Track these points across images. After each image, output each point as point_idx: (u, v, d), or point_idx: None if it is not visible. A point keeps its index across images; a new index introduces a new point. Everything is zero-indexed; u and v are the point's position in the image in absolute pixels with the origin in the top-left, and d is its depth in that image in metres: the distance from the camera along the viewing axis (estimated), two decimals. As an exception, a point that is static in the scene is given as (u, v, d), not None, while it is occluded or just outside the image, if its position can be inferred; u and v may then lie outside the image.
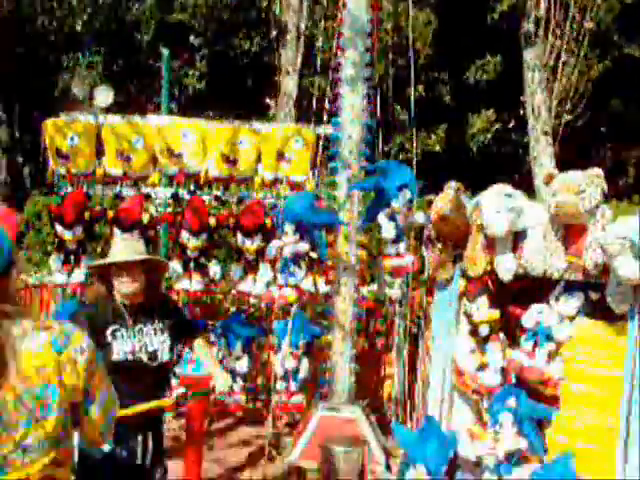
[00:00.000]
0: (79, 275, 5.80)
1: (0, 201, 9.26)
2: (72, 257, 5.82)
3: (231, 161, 5.56)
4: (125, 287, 3.06)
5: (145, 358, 3.07)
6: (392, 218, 4.70)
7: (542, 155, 7.86)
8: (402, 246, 4.80)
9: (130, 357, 3.04)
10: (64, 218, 5.63)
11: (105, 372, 1.90)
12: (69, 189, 5.85)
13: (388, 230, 4.68)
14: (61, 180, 5.85)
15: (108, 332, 3.02)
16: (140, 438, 3.07)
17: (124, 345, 3.03)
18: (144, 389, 3.05)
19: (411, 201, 4.78)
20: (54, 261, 5.86)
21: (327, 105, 5.15)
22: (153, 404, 3.06)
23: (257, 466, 5.13)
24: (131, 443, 3.03)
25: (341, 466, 4.08)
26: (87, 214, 5.73)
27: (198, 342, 3.46)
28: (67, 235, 5.69)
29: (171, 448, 5.33)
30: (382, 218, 4.71)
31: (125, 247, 3.16)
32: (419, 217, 4.82)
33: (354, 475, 4.09)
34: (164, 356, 3.14)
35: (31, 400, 1.66)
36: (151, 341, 3.10)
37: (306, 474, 4.83)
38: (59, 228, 5.71)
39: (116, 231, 4.87)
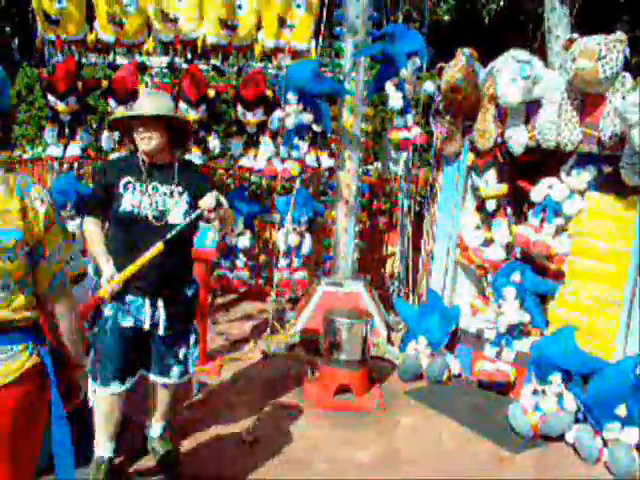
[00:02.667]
0: (75, 148, 5.63)
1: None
2: (67, 130, 5.64)
3: (229, 27, 5.23)
4: (144, 143, 2.92)
5: (150, 215, 2.94)
6: (400, 87, 4.48)
7: (557, 26, 7.43)
8: (409, 118, 4.61)
9: (135, 210, 2.93)
10: (56, 88, 5.38)
11: (63, 232, 1.96)
12: (60, 58, 5.56)
13: (395, 100, 4.48)
14: (50, 47, 5.54)
15: (122, 183, 2.94)
16: (147, 303, 2.97)
17: (132, 198, 2.93)
18: (146, 249, 2.91)
19: (420, 69, 4.54)
20: (49, 134, 5.68)
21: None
22: (140, 260, 2.90)
23: (260, 339, 5.21)
24: (136, 308, 2.97)
25: (344, 338, 4.12)
26: (80, 84, 5.48)
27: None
28: (60, 106, 5.47)
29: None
30: (389, 87, 4.49)
31: (149, 102, 2.95)
32: (428, 87, 4.61)
33: (356, 347, 4.13)
34: (172, 219, 2.97)
35: None
36: (163, 201, 2.97)
37: (308, 345, 4.92)
38: (52, 99, 5.48)
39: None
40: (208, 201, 2.90)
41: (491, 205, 4.57)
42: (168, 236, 2.91)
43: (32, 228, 1.85)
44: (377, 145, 6.03)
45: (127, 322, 2.97)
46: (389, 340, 5.05)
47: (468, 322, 4.66)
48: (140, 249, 2.91)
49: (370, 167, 6.17)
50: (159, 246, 2.90)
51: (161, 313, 3.00)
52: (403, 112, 4.56)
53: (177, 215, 2.98)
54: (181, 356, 3.16)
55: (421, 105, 4.88)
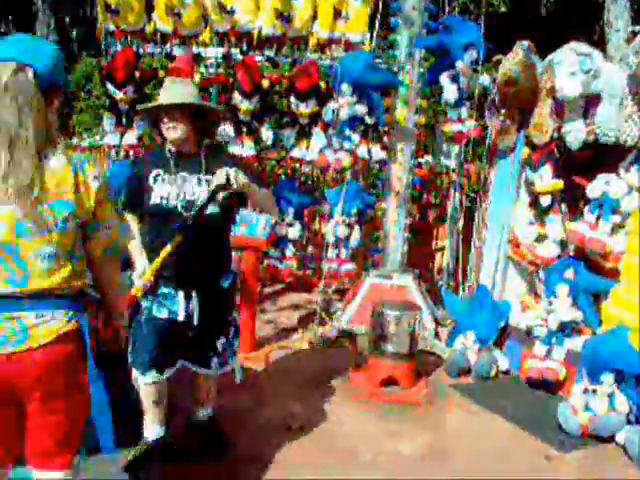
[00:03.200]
0: (131, 136, 5.76)
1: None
2: (124, 118, 5.77)
3: (285, 18, 5.27)
4: (170, 133, 2.90)
5: (179, 206, 2.89)
6: (455, 80, 4.45)
7: (618, 19, 7.24)
8: (464, 110, 4.57)
9: (164, 202, 2.90)
10: (115, 77, 5.51)
11: (114, 208, 2.08)
12: (119, 48, 5.69)
13: (450, 92, 4.44)
14: (110, 38, 5.67)
15: (151, 176, 2.93)
16: (181, 294, 2.95)
17: (161, 190, 2.91)
18: (186, 242, 2.88)
19: (476, 62, 4.49)
20: (107, 122, 5.82)
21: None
22: (162, 252, 2.88)
23: (308, 328, 5.25)
24: (170, 299, 2.97)
25: (391, 330, 4.12)
26: (137, 73, 5.60)
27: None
28: (118, 95, 5.59)
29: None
30: (445, 79, 4.46)
31: (173, 91, 2.91)
32: (484, 79, 4.56)
33: (404, 339, 4.13)
34: (207, 209, 2.88)
35: (50, 212, 1.87)
36: (192, 191, 2.91)
37: (355, 337, 4.94)
38: (110, 87, 5.61)
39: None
40: (219, 177, 2.77)
41: (545, 200, 4.49)
42: (187, 223, 2.86)
43: (84, 202, 1.94)
44: (429, 138, 5.98)
45: (162, 314, 2.97)
46: (436, 334, 5.03)
47: (518, 318, 4.60)
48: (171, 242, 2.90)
49: (421, 160, 6.13)
50: (176, 238, 2.88)
51: (195, 304, 2.98)
52: (457, 105, 4.52)
53: (215, 202, 2.87)
54: (219, 347, 3.13)
55: (476, 98, 4.82)
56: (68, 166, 1.92)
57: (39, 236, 1.87)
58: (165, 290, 2.96)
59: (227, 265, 3.15)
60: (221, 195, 2.77)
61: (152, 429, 3.18)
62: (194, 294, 2.97)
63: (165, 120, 2.89)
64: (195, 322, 2.98)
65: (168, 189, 2.91)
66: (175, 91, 2.90)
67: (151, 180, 2.93)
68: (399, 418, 3.88)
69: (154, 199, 2.91)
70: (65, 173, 1.90)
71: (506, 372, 4.54)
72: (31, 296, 1.87)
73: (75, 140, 9.50)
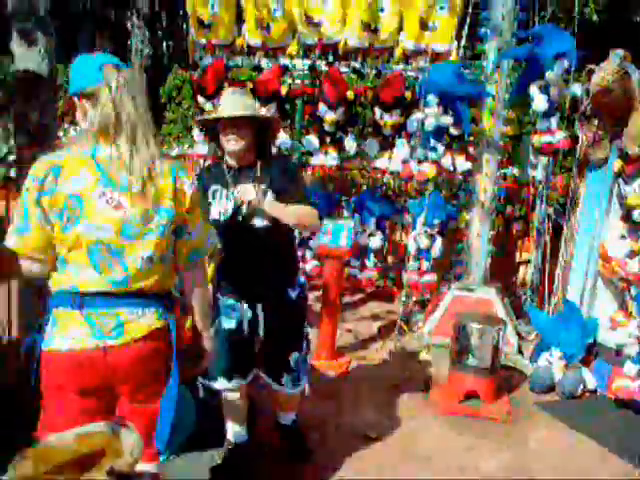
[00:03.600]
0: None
1: (145, 73, 9.59)
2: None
3: (371, 30, 5.31)
4: (230, 145, 2.84)
5: (236, 222, 2.85)
6: (545, 90, 4.35)
7: None
8: (554, 121, 4.46)
9: (222, 217, 2.88)
10: (205, 89, 5.71)
11: (203, 213, 2.22)
12: (209, 60, 5.89)
13: (540, 103, 4.35)
14: (201, 51, 5.88)
15: (210, 191, 2.93)
16: (245, 306, 2.96)
17: (220, 205, 2.88)
18: (236, 254, 2.87)
19: (568, 72, 4.38)
20: (196, 132, 6.03)
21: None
22: (209, 267, 2.89)
23: (388, 339, 5.24)
24: (236, 310, 2.98)
25: (474, 343, 4.06)
26: (226, 85, 5.77)
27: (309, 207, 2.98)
28: (208, 106, 5.78)
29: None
30: (534, 90, 4.37)
31: (232, 102, 2.84)
32: (576, 89, 4.44)
33: (487, 354, 4.06)
34: (256, 220, 2.85)
35: (153, 216, 2.00)
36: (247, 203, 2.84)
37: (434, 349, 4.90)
38: (200, 99, 5.82)
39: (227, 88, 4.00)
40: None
41: (638, 214, 4.32)
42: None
43: (180, 208, 2.06)
44: (515, 149, 5.87)
45: (229, 324, 2.98)
46: (519, 349, 4.92)
47: (607, 336, 4.44)
48: (232, 255, 2.90)
49: (506, 171, 6.02)
50: (217, 254, 2.91)
51: (260, 316, 2.97)
52: (547, 115, 4.42)
53: (259, 216, 2.86)
54: (292, 363, 3.07)
55: (566, 108, 4.71)
56: (169, 172, 2.04)
57: (142, 239, 1.99)
58: (230, 302, 2.98)
59: (292, 276, 3.08)
60: (244, 210, 2.83)
61: (233, 432, 3.25)
62: (259, 305, 2.96)
63: (227, 132, 2.82)
64: (261, 334, 2.98)
65: (224, 204, 2.89)
66: (237, 102, 2.84)
67: (210, 196, 2.93)
68: (479, 433, 3.82)
69: (213, 214, 2.90)
70: (166, 179, 2.03)
71: (593, 391, 4.38)
72: (127, 294, 1.99)
73: (164, 149, 9.88)
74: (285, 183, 2.87)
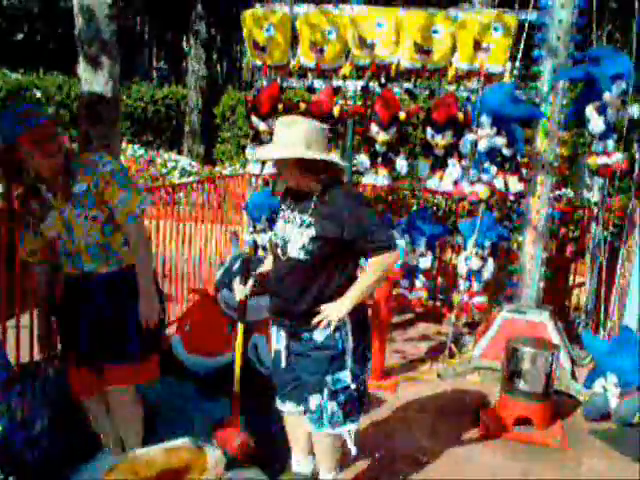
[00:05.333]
0: (272, 166, 6.03)
1: (199, 95, 9.81)
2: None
3: (424, 51, 5.32)
4: (282, 180, 2.85)
5: (278, 248, 2.82)
6: (602, 111, 4.29)
7: None
8: (610, 143, 4.39)
9: (273, 239, 2.88)
10: (259, 109, 5.82)
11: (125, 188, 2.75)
12: (264, 82, 6.01)
13: (597, 124, 4.29)
14: (256, 72, 6.01)
15: (280, 209, 2.93)
16: (275, 330, 2.97)
17: (277, 227, 2.88)
18: (278, 282, 2.83)
19: (626, 93, 4.31)
20: (249, 152, 6.14)
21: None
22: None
23: (437, 360, 5.20)
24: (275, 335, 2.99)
25: (526, 368, 3.99)
26: (280, 106, 5.87)
27: (376, 259, 2.69)
28: (261, 126, 5.89)
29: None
30: (591, 111, 4.32)
31: (279, 139, 2.71)
32: (634, 110, 4.36)
33: (539, 378, 3.99)
34: (291, 251, 2.75)
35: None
36: (291, 232, 2.76)
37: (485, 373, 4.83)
38: (254, 119, 5.92)
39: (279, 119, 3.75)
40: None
41: (700, 239, 4.21)
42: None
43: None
44: (570, 171, 5.79)
45: (274, 347, 3.00)
46: (573, 375, 4.81)
47: (666, 364, 4.30)
48: (274, 280, 2.89)
49: (560, 193, 5.93)
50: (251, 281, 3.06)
51: (282, 346, 2.93)
52: (603, 137, 4.36)
53: (295, 248, 2.74)
54: (312, 405, 2.84)
55: (624, 130, 4.63)
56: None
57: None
58: (273, 326, 3.00)
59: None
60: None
61: (295, 459, 3.19)
62: (283, 333, 2.91)
63: (278, 169, 2.79)
64: (283, 364, 2.93)
65: (280, 227, 2.85)
66: (280, 139, 2.70)
67: (279, 213, 2.92)
68: (532, 459, 3.75)
69: (272, 234, 2.93)
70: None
71: (651, 421, 4.25)
72: None
73: (217, 168, 10.07)
74: (339, 213, 2.67)
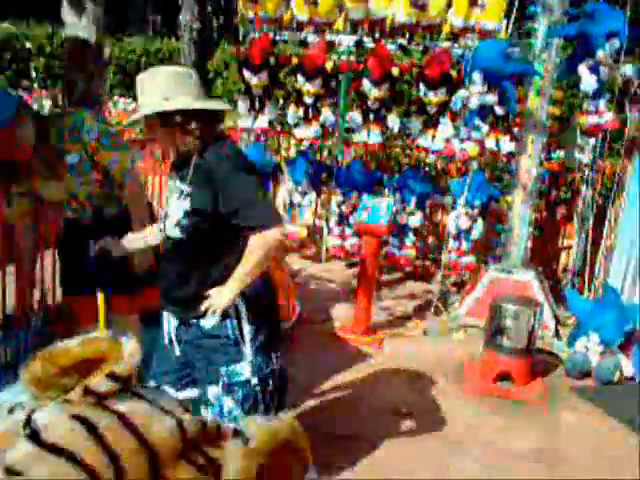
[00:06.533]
0: (263, 120, 5.99)
1: (192, 49, 9.69)
2: (257, 103, 6.00)
3: (419, 6, 5.24)
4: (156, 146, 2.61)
5: (161, 223, 2.49)
6: (595, 70, 4.25)
7: None
8: (602, 102, 4.37)
9: (161, 214, 2.55)
10: (252, 63, 5.74)
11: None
12: (257, 35, 5.91)
13: (589, 83, 4.26)
14: (249, 25, 5.91)
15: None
16: (165, 315, 2.58)
17: (166, 200, 2.51)
18: (162, 262, 2.54)
19: (619, 52, 4.26)
20: (241, 106, 6.08)
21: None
22: None
23: (423, 318, 5.25)
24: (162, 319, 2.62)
25: (509, 324, 4.04)
26: (273, 59, 5.80)
27: (256, 239, 2.28)
28: (253, 80, 5.82)
29: (343, 293, 5.67)
30: (583, 69, 4.28)
31: (139, 100, 2.38)
32: (627, 70, 4.32)
33: (521, 335, 4.03)
34: (169, 228, 2.40)
35: None
36: (172, 205, 2.40)
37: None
38: (246, 73, 5.85)
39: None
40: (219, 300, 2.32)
41: (687, 201, 4.21)
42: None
43: None
44: (563, 131, 5.75)
45: (165, 330, 2.60)
46: (557, 334, 4.87)
47: (648, 324, 4.36)
48: (161, 259, 2.60)
49: (553, 154, 5.91)
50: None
51: (173, 332, 2.53)
52: (596, 96, 4.32)
53: (171, 224, 2.38)
54: (211, 397, 2.42)
55: (616, 90, 4.58)
56: None
57: None
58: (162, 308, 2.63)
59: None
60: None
61: None
62: (172, 320, 2.53)
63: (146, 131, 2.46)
64: (177, 352, 2.54)
65: (167, 199, 2.49)
66: (140, 97, 2.37)
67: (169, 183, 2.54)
68: (512, 414, 3.81)
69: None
70: None
71: (631, 378, 4.31)
72: None
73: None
74: (214, 183, 2.26)
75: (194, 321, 2.41)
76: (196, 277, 2.39)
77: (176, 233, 2.36)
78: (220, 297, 2.31)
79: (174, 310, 2.50)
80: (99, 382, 1.08)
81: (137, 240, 2.72)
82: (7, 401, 1.11)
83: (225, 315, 2.35)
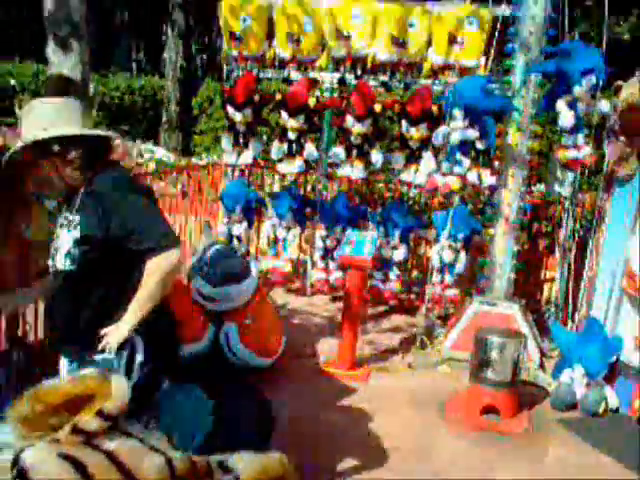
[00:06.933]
0: (247, 157, 6.04)
1: (177, 86, 9.78)
2: (241, 139, 6.06)
3: (400, 44, 5.36)
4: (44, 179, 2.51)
5: (50, 260, 2.37)
6: (572, 106, 4.35)
7: None
8: (580, 137, 4.46)
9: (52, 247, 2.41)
10: (235, 100, 5.82)
11: None
12: (240, 73, 6.00)
13: (567, 118, 4.36)
14: (233, 62, 6.00)
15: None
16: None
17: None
18: (50, 301, 2.40)
19: (596, 88, 4.37)
20: (225, 142, 6.13)
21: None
22: None
23: (409, 351, 5.24)
24: None
25: (494, 357, 4.04)
26: (257, 97, 5.87)
27: (152, 264, 2.22)
28: (237, 117, 5.89)
29: (327, 327, 5.66)
30: (561, 105, 4.38)
31: (25, 124, 2.31)
32: (603, 105, 4.43)
33: (506, 368, 4.04)
34: (58, 262, 2.29)
35: None
36: (62, 237, 2.30)
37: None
38: (230, 110, 5.92)
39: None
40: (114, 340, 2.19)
41: (665, 232, 4.28)
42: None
43: None
44: (542, 165, 5.86)
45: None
46: (541, 366, 4.88)
47: (631, 355, 4.38)
48: (48, 299, 2.45)
49: (533, 187, 6.00)
50: None
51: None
52: (574, 131, 4.42)
53: (61, 256, 2.28)
54: None
55: (593, 125, 4.69)
56: None
57: None
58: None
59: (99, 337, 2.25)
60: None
61: None
62: (66, 362, 2.33)
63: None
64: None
65: (57, 233, 2.37)
66: (22, 131, 2.31)
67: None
68: (497, 447, 3.80)
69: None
70: None
71: (615, 410, 4.32)
72: None
73: (194, 159, 10.04)
74: (110, 207, 2.21)
75: (88, 358, 2.22)
76: (89, 313, 2.27)
77: (67, 265, 2.25)
78: (117, 333, 2.21)
79: (66, 351, 2.33)
80: (88, 420, 1.08)
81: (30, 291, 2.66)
82: (-7, 442, 1.10)
83: (120, 347, 2.22)
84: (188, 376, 3.70)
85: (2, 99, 12.73)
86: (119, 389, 1.10)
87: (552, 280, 6.14)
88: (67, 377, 1.13)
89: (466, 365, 4.49)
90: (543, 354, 5.01)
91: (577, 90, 4.29)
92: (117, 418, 1.09)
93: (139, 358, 2.24)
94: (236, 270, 4.46)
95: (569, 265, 5.40)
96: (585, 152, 4.47)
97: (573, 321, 5.17)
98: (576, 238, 5.43)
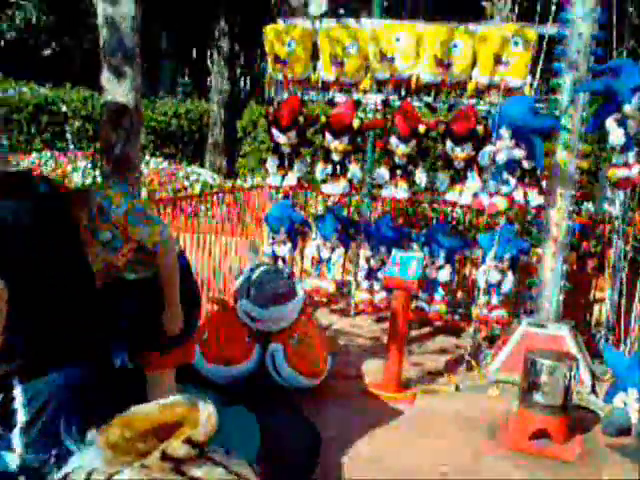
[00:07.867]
0: (292, 178, 6.10)
1: (222, 109, 9.96)
2: (286, 161, 6.13)
3: (444, 65, 5.37)
4: None
5: None
6: (622, 124, 4.28)
7: None
8: (631, 155, 4.37)
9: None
10: (280, 122, 5.90)
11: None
12: (285, 95, 6.09)
13: (617, 137, 4.28)
14: (277, 86, 6.10)
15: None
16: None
17: None
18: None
19: (646, 105, 4.30)
20: (271, 164, 6.21)
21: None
22: None
23: (455, 373, 5.17)
24: None
25: (544, 380, 3.96)
26: (301, 119, 5.94)
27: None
28: (282, 139, 5.97)
29: (372, 348, 5.63)
30: (611, 123, 4.31)
31: None
32: (654, 123, 4.35)
33: (558, 392, 3.95)
34: None
35: None
36: None
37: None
38: (275, 132, 6.00)
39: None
40: None
41: None
42: None
43: None
44: (591, 184, 5.77)
45: None
46: (593, 390, 4.76)
47: (688, 380, 4.24)
48: None
49: (582, 207, 5.91)
50: None
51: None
52: (624, 150, 4.34)
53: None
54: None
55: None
56: None
57: None
58: None
59: (70, 354, 2.29)
60: None
61: None
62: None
63: None
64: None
65: None
66: None
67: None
68: (549, 473, 3.70)
69: None
70: None
71: (672, 436, 4.18)
72: None
73: (239, 181, 10.18)
74: None
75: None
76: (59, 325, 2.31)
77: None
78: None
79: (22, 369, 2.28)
80: (176, 447, 1.09)
81: None
82: (81, 467, 1.12)
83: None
84: (235, 396, 3.75)
85: (55, 124, 13.20)
86: (207, 416, 1.11)
87: (601, 301, 6.01)
88: (157, 402, 1.15)
89: (515, 388, 4.42)
90: (595, 377, 4.88)
91: (627, 108, 4.22)
92: (204, 445, 1.11)
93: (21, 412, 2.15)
94: (282, 291, 4.50)
95: (620, 286, 5.28)
96: (636, 171, 4.38)
97: (625, 344, 5.03)
98: (626, 258, 5.30)
